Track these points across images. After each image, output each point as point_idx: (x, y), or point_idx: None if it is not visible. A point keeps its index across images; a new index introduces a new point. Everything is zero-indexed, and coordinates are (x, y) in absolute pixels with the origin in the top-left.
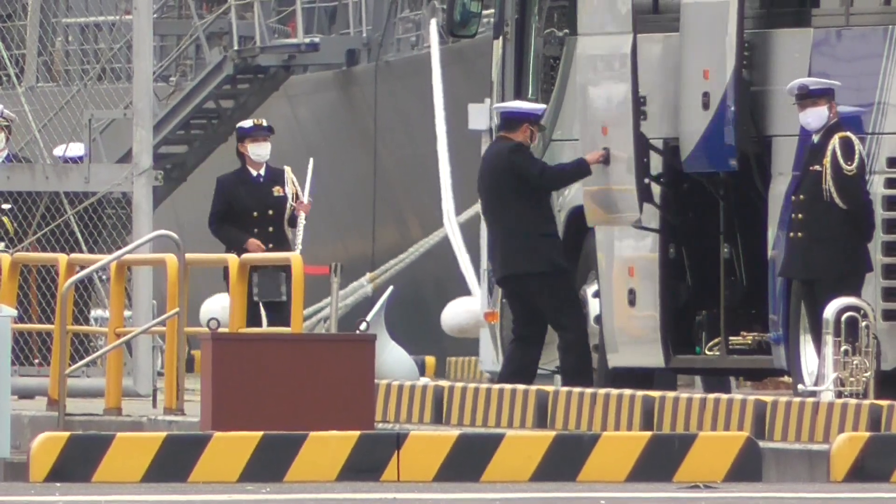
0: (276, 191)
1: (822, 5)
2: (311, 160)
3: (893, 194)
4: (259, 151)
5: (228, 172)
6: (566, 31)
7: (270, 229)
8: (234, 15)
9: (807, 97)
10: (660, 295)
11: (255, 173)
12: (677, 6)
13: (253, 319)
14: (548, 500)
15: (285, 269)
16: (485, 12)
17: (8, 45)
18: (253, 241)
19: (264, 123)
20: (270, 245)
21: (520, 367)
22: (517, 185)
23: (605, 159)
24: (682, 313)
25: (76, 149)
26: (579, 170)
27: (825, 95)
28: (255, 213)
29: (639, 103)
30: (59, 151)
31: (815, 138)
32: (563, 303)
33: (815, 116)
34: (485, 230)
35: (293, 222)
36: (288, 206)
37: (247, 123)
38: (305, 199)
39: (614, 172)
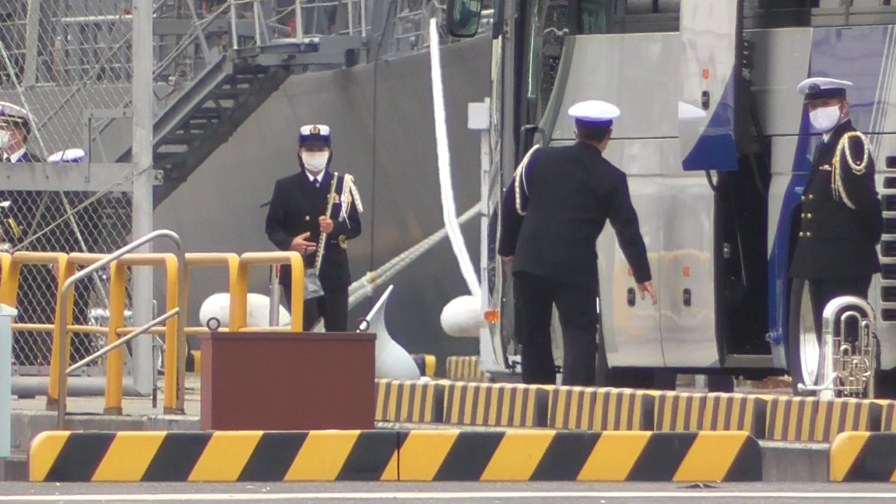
0: (333, 198)
1: (821, 4)
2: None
3: (893, 194)
4: (312, 161)
5: (288, 176)
6: (566, 30)
7: (322, 236)
8: (233, 14)
9: (817, 97)
10: (715, 294)
11: (311, 178)
12: (677, 6)
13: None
14: (548, 500)
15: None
16: (484, 12)
17: (8, 45)
18: (296, 241)
19: (321, 132)
20: (322, 252)
21: (546, 369)
22: (601, 205)
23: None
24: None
25: (73, 153)
26: (645, 267)
27: (836, 95)
28: (308, 218)
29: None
30: (55, 157)
31: (826, 138)
32: (587, 319)
33: (825, 116)
34: (486, 228)
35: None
36: (341, 214)
37: (305, 130)
38: (328, 214)
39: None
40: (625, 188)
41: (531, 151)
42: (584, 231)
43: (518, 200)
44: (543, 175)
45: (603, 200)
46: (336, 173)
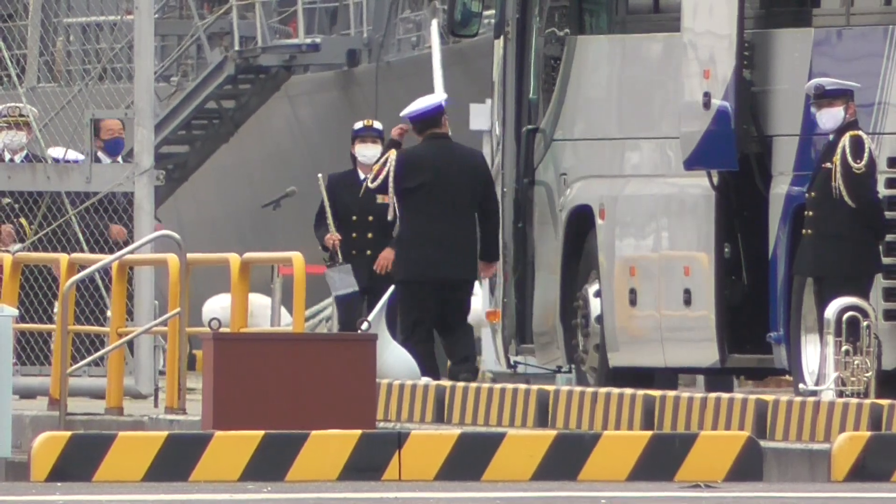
0: (382, 198)
1: (822, 5)
2: (320, 176)
3: (893, 194)
4: (364, 152)
5: (339, 172)
6: (567, 30)
7: (369, 235)
8: (235, 15)
9: (822, 97)
10: (715, 294)
11: (362, 176)
12: (677, 6)
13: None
14: (549, 500)
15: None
16: (486, 12)
17: (9, 45)
18: (328, 238)
19: (375, 125)
20: (369, 252)
21: (435, 364)
22: (478, 194)
23: None
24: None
25: (73, 155)
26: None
27: (842, 96)
28: (355, 217)
29: None
30: (54, 153)
31: (831, 137)
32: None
33: (829, 117)
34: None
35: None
36: (390, 212)
37: (358, 124)
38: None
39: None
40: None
41: (395, 159)
42: (472, 225)
43: (392, 210)
44: (421, 178)
45: (484, 183)
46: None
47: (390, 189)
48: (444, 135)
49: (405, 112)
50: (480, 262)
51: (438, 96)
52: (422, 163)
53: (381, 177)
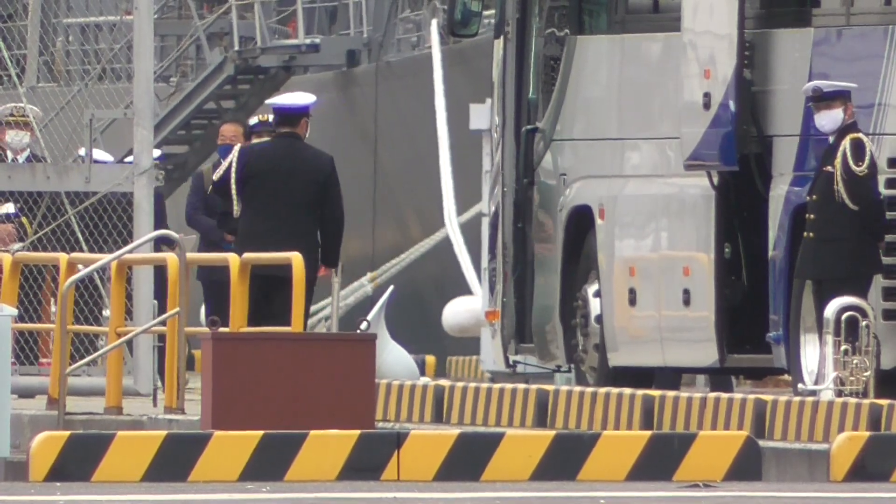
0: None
1: (822, 5)
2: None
3: (894, 194)
4: None
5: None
6: (566, 30)
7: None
8: (234, 15)
9: (821, 99)
10: (715, 294)
11: None
12: (677, 6)
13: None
14: (548, 500)
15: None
16: (486, 12)
17: (9, 45)
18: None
19: (271, 119)
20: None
21: None
22: (321, 195)
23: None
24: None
25: (101, 155)
26: (339, 252)
27: (839, 98)
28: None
29: None
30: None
31: (831, 139)
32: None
33: (828, 119)
34: (486, 228)
35: None
36: None
37: (253, 119)
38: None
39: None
40: (336, 173)
41: (238, 153)
42: (309, 224)
43: (235, 205)
44: (257, 174)
45: (326, 186)
46: None
47: (232, 182)
48: (296, 135)
49: (271, 101)
50: (321, 265)
51: (309, 97)
52: (263, 159)
53: (221, 170)
